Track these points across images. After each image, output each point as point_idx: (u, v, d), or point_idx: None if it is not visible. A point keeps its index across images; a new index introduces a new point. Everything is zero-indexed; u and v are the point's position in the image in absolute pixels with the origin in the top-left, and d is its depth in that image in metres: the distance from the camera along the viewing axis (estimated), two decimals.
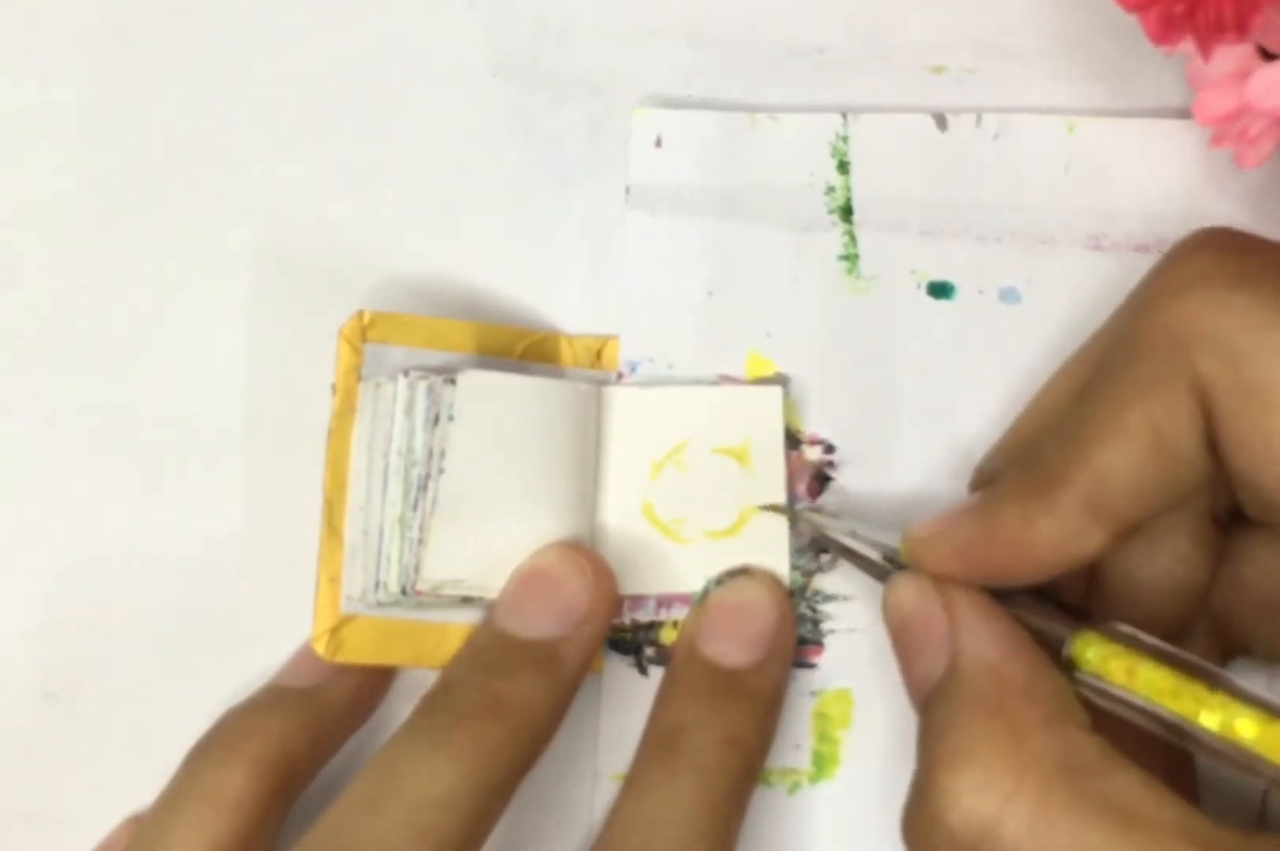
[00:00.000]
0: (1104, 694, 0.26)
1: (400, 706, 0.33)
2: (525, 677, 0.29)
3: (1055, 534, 0.25)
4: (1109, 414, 0.25)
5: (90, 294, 0.35)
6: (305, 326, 0.34)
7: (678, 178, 0.34)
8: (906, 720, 0.31)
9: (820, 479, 0.33)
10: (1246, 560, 0.28)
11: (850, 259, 0.34)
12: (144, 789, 0.31)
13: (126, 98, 0.36)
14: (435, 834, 0.27)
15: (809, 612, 0.32)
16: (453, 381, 0.31)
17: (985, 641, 0.26)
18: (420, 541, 0.30)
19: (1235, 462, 0.24)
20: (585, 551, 0.31)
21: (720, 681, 0.30)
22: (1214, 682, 0.24)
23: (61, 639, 0.34)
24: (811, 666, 0.32)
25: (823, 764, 0.32)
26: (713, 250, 0.34)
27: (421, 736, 0.28)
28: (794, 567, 0.32)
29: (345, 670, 0.31)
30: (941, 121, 0.34)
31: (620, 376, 0.33)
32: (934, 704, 0.26)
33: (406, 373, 0.31)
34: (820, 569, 0.32)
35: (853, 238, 0.34)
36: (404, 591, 0.30)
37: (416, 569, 0.30)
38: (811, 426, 0.33)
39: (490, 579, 0.31)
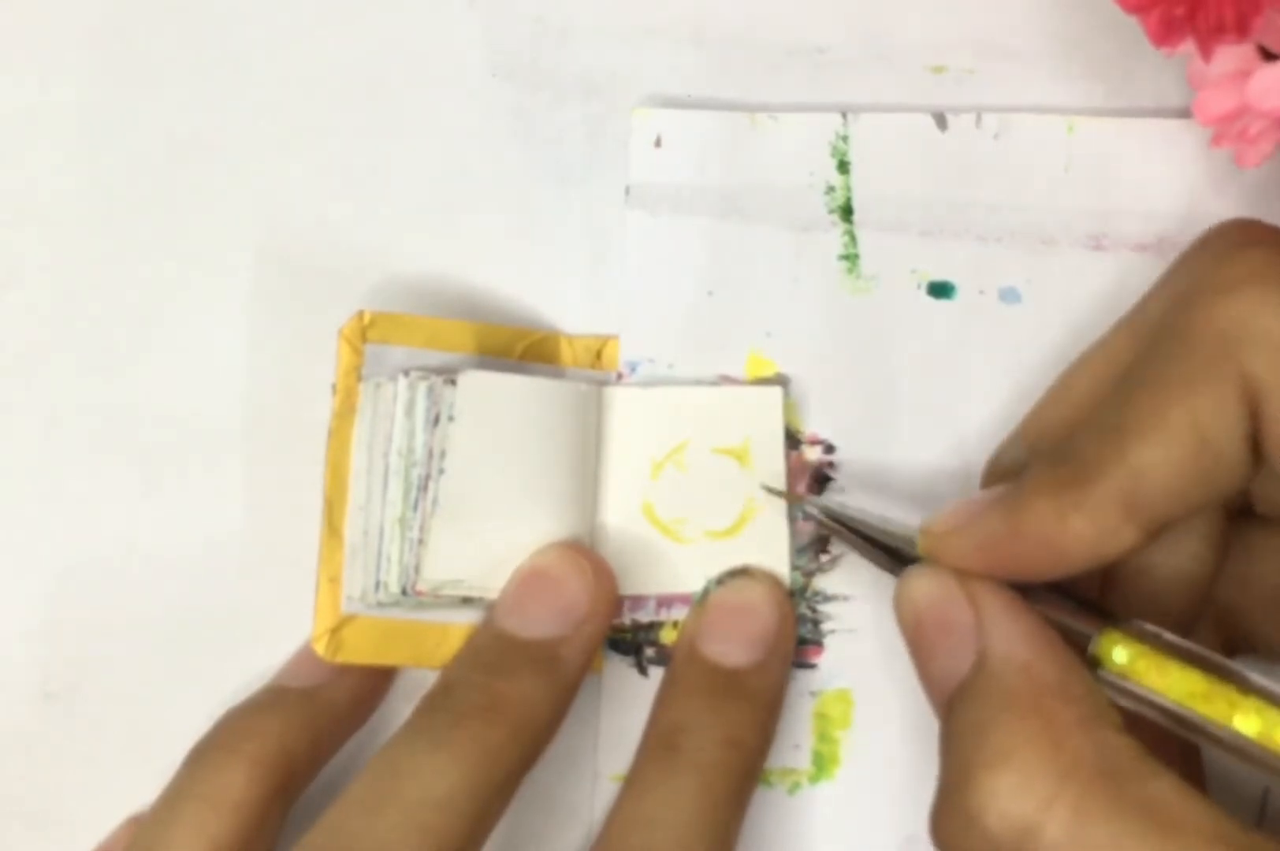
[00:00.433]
0: (1125, 693, 0.25)
1: (400, 706, 0.33)
2: (525, 678, 0.29)
3: (1087, 530, 0.25)
4: (1151, 410, 0.24)
5: (90, 294, 0.35)
6: (305, 326, 0.34)
7: (678, 177, 0.34)
8: (906, 720, 0.31)
9: (820, 479, 0.33)
10: (1253, 556, 0.28)
11: (850, 259, 0.34)
12: (144, 789, 0.31)
13: (126, 98, 0.36)
14: (435, 834, 0.27)
15: (809, 613, 0.32)
16: (453, 381, 0.31)
17: (1015, 639, 0.25)
18: (420, 541, 0.30)
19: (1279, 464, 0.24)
20: (585, 551, 0.31)
21: (720, 681, 0.30)
22: (1244, 685, 0.24)
23: (61, 639, 0.34)
24: (811, 666, 0.32)
25: (823, 764, 0.32)
26: (713, 250, 0.34)
27: (422, 736, 0.28)
28: (794, 568, 0.32)
29: (345, 670, 0.31)
30: (941, 121, 0.34)
31: (620, 376, 0.33)
32: (963, 702, 0.25)
33: (406, 373, 0.31)
34: (820, 569, 0.32)
35: (853, 237, 0.34)
36: (404, 591, 0.30)
37: (417, 569, 0.30)
38: (811, 426, 0.33)
39: (490, 579, 0.31)
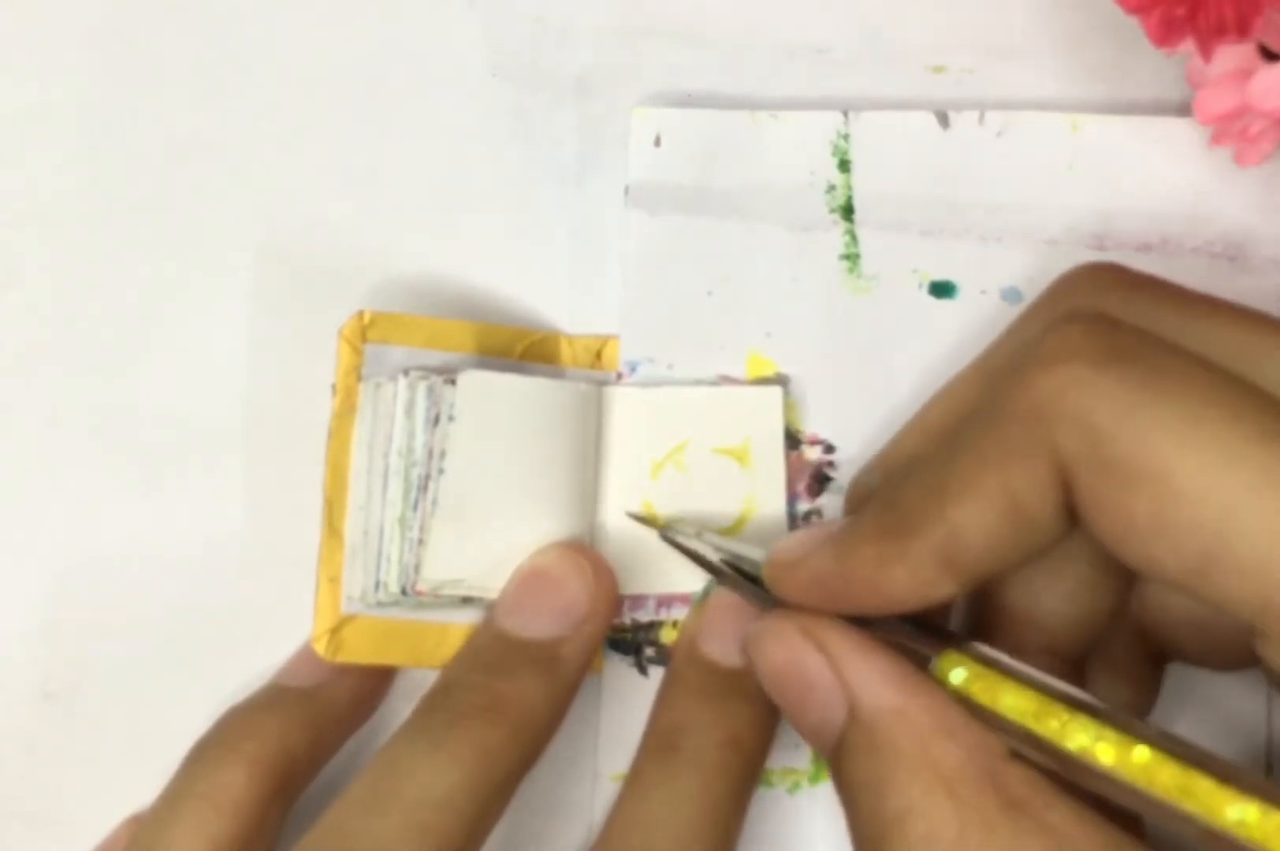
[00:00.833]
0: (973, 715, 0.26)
1: (400, 706, 0.33)
2: (525, 678, 0.29)
3: (906, 579, 0.25)
4: (970, 473, 0.25)
5: (90, 294, 0.35)
6: (305, 326, 0.34)
7: (677, 177, 0.34)
8: None
9: (820, 479, 0.33)
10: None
11: (851, 258, 0.34)
12: (144, 789, 0.31)
13: (126, 98, 0.36)
14: (435, 834, 0.27)
15: None
16: (453, 381, 0.31)
17: (879, 683, 0.25)
18: (420, 541, 0.30)
19: (1097, 533, 0.24)
20: (586, 551, 0.31)
21: (720, 681, 0.30)
22: (1074, 704, 0.24)
23: (61, 639, 0.34)
24: None
25: (823, 764, 0.32)
26: (713, 250, 0.34)
27: (421, 736, 0.28)
28: None
29: (345, 670, 0.31)
30: (944, 119, 0.34)
31: (620, 376, 0.33)
32: (849, 758, 0.25)
33: (406, 373, 0.31)
34: None
35: (854, 237, 0.34)
36: (404, 591, 0.30)
37: (417, 569, 0.30)
38: (811, 426, 0.33)
39: (490, 579, 0.31)
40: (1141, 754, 0.23)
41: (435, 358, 0.32)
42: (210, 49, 0.36)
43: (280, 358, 0.34)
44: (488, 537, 0.31)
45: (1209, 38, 0.28)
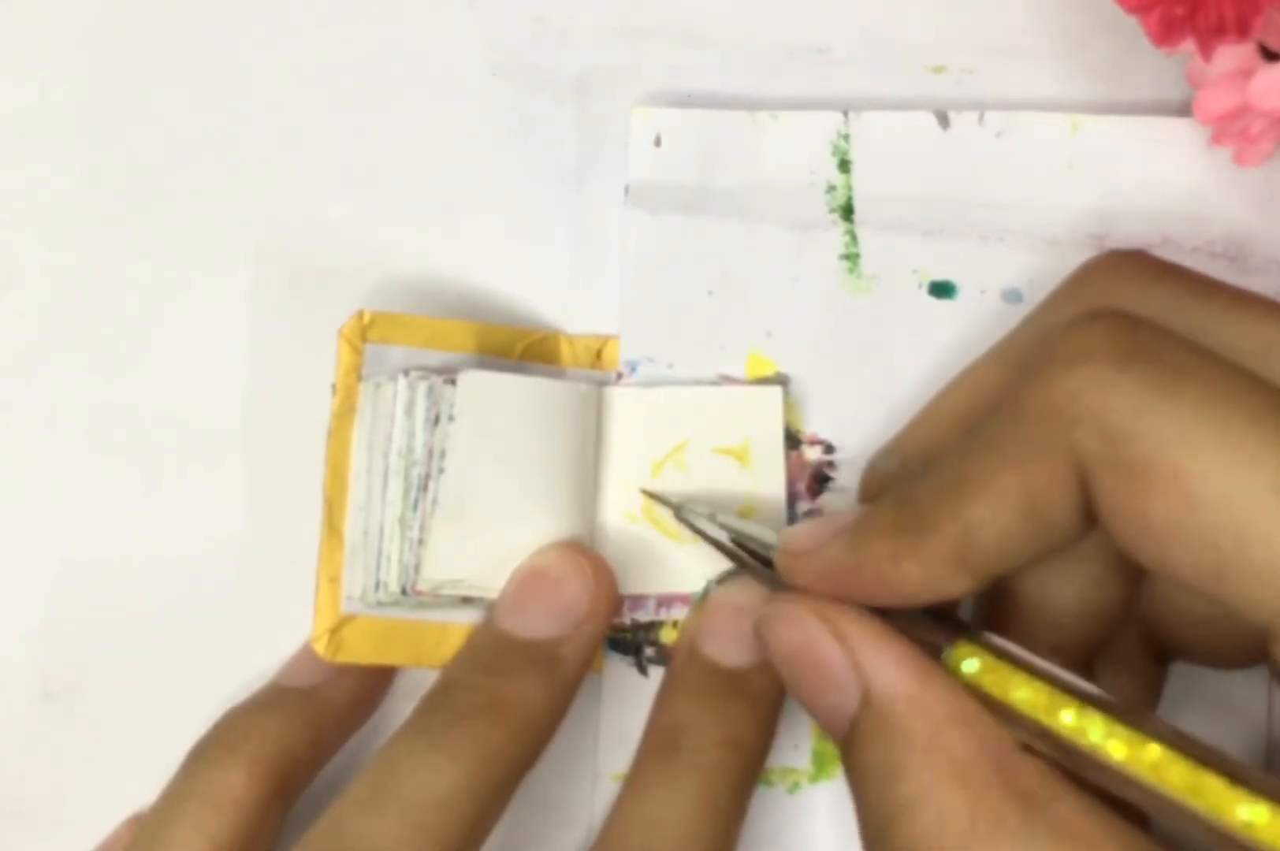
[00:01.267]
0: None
1: (400, 706, 0.33)
2: (525, 678, 0.29)
3: (919, 575, 0.25)
4: (987, 471, 0.24)
5: (90, 294, 0.35)
6: (305, 326, 0.34)
7: (677, 177, 0.34)
8: None
9: (820, 479, 0.33)
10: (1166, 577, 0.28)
11: (851, 258, 0.34)
12: (144, 789, 0.31)
13: (126, 98, 0.36)
14: (435, 834, 0.27)
15: None
16: (453, 381, 0.31)
17: (894, 670, 0.25)
18: (420, 541, 0.30)
19: (1114, 533, 0.24)
20: (585, 551, 0.31)
21: (721, 681, 0.30)
22: (1086, 697, 0.24)
23: (61, 639, 0.34)
24: None
25: (823, 764, 0.32)
26: (713, 250, 0.34)
27: (421, 736, 0.28)
28: None
29: (345, 670, 0.31)
30: (944, 119, 0.34)
31: (620, 376, 0.33)
32: (860, 742, 0.25)
33: (406, 372, 0.31)
34: None
35: (854, 237, 0.34)
36: (404, 591, 0.30)
37: (417, 569, 0.30)
38: (811, 426, 0.33)
39: (490, 579, 0.31)
40: (1152, 751, 0.23)
41: (435, 358, 0.32)
42: (210, 49, 0.36)
43: (280, 358, 0.34)
44: (488, 537, 0.31)
45: (1209, 37, 0.28)
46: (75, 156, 0.36)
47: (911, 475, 0.26)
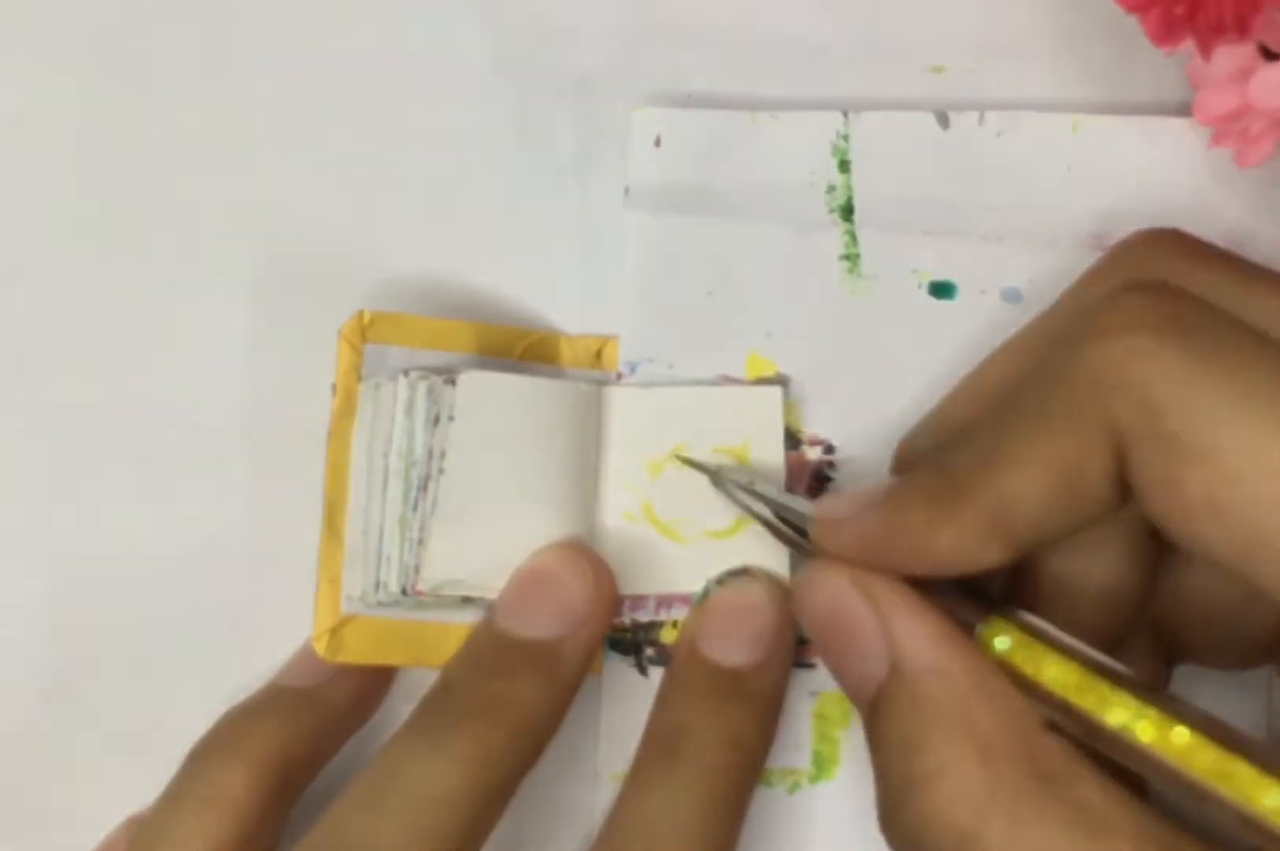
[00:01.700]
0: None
1: (400, 706, 0.33)
2: (525, 678, 0.29)
3: (954, 544, 0.25)
4: (1023, 441, 0.24)
5: (90, 294, 0.35)
6: (305, 326, 0.34)
7: (677, 177, 0.34)
8: None
9: (820, 479, 0.33)
10: (1184, 573, 0.28)
11: (851, 258, 0.34)
12: (144, 789, 0.31)
13: (127, 97, 0.36)
14: (435, 834, 0.27)
15: None
16: (453, 381, 0.31)
17: (925, 641, 0.25)
18: (420, 542, 0.30)
19: (1148, 507, 0.24)
20: (585, 551, 0.31)
21: (721, 682, 0.30)
22: (1118, 680, 0.24)
23: (61, 639, 0.34)
24: (811, 666, 0.32)
25: (823, 764, 0.32)
26: (713, 250, 0.34)
27: (421, 737, 0.28)
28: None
29: (345, 670, 0.31)
30: (944, 119, 0.34)
31: (620, 376, 0.33)
32: (887, 711, 0.25)
33: (406, 373, 0.31)
34: None
35: (853, 237, 0.34)
36: (404, 591, 0.30)
37: (416, 569, 0.30)
38: (811, 426, 0.33)
39: (490, 579, 0.31)
40: (1181, 735, 0.23)
41: (435, 358, 0.32)
42: (210, 49, 0.36)
43: (280, 358, 0.34)
44: (487, 538, 0.31)
45: (1209, 37, 0.28)
46: (76, 156, 0.36)
47: (948, 446, 0.26)
